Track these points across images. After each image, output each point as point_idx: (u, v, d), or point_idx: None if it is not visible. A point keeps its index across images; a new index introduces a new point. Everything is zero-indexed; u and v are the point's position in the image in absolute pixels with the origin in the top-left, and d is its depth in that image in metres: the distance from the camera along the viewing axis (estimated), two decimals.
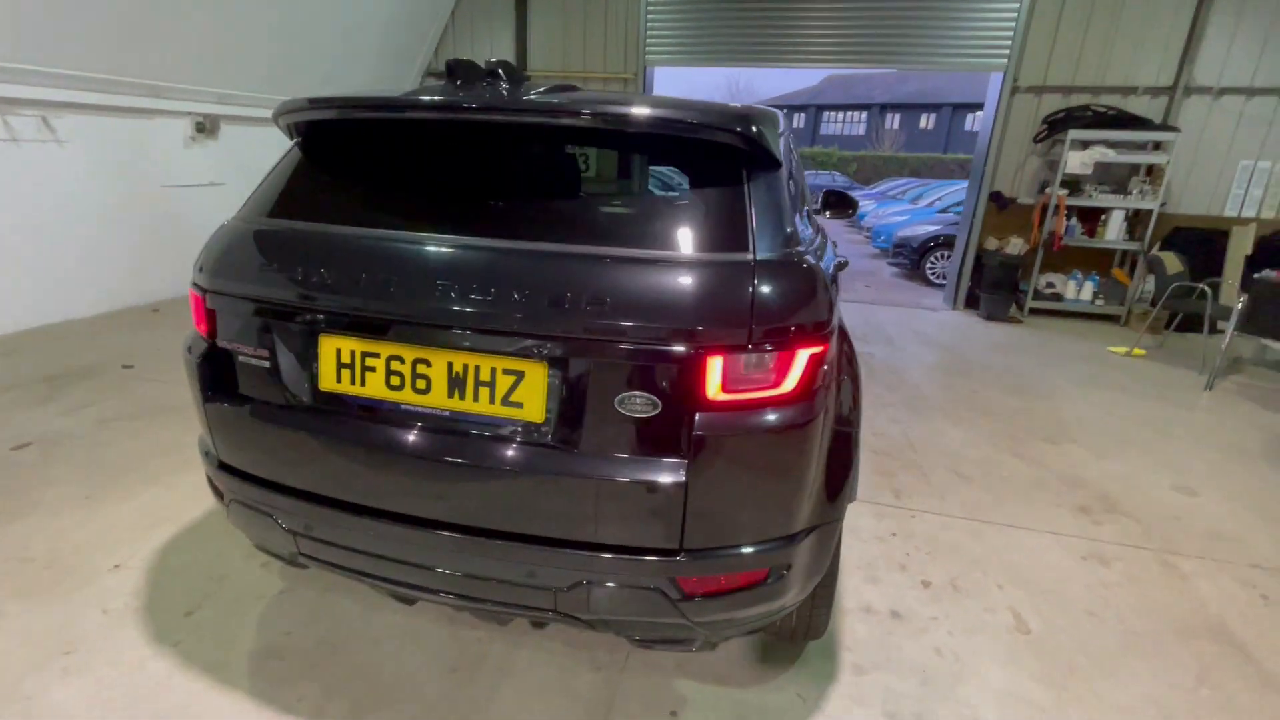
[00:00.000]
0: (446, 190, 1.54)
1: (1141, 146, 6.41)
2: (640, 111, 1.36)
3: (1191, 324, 5.97)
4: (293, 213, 1.57)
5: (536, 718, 1.75)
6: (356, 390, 1.45)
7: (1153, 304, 6.55)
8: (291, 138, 1.73)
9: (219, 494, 1.69)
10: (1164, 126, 6.34)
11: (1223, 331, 5.02)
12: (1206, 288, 5.28)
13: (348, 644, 1.98)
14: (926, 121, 43.49)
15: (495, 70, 1.50)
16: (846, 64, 6.94)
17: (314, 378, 1.47)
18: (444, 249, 1.38)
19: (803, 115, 45.19)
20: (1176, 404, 4.53)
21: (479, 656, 1.95)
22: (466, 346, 1.35)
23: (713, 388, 1.27)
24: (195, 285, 1.58)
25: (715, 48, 7.21)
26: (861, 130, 44.78)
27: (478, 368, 1.36)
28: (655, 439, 1.31)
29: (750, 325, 1.26)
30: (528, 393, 1.34)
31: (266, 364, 1.50)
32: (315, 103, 1.53)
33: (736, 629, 1.54)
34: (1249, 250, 6.26)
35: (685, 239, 1.36)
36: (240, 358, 1.53)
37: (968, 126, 42.31)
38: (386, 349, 1.41)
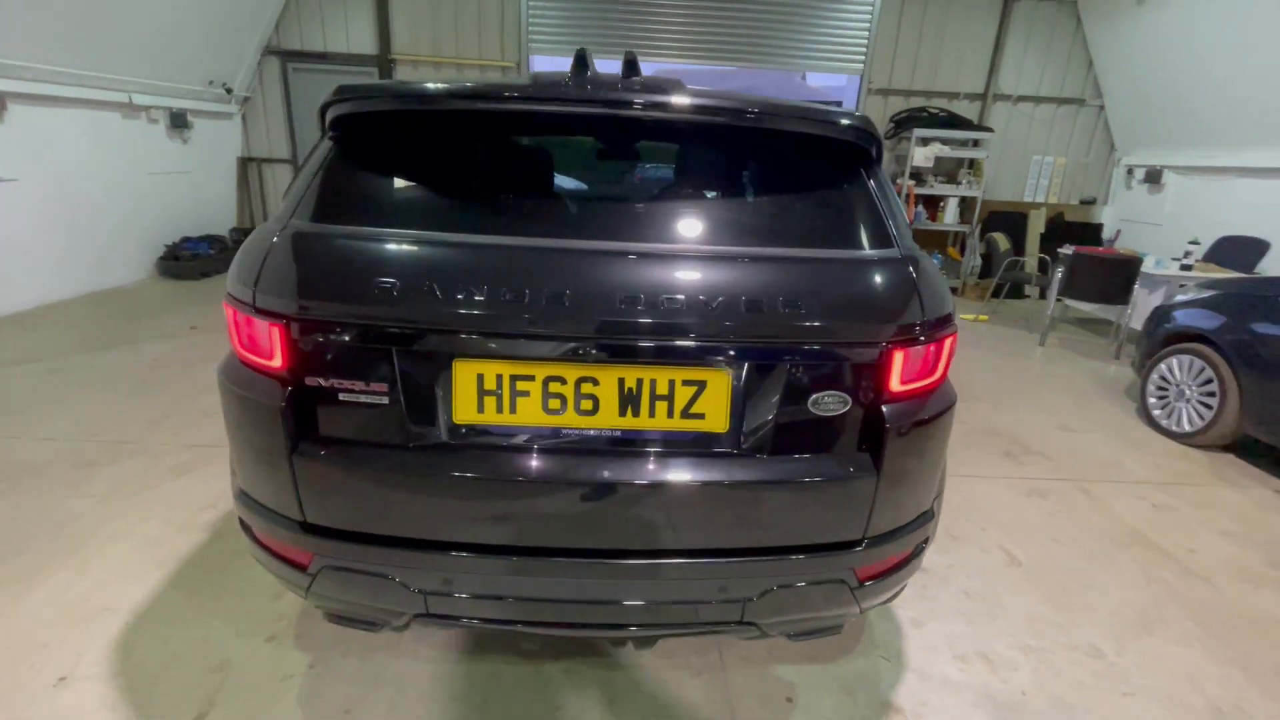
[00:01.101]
0: (584, 191, 1.40)
1: (965, 143, 7.56)
2: (794, 112, 1.36)
3: (1015, 292, 7.20)
4: (381, 217, 1.34)
5: None
6: (505, 419, 1.28)
7: (982, 276, 7.79)
8: (329, 130, 1.45)
9: (297, 566, 1.38)
10: (980, 127, 7.53)
11: (1046, 298, 6.15)
12: (1025, 260, 6.41)
13: (429, 709, 1.74)
14: None
15: (631, 63, 1.39)
16: (725, 61, 7.30)
17: (447, 410, 1.27)
18: (612, 256, 1.26)
19: None
20: (1026, 358, 5.47)
21: (578, 690, 1.83)
22: (642, 360, 1.26)
23: (895, 380, 1.33)
24: (264, 310, 1.27)
25: (601, 38, 7.17)
26: None
27: (654, 381, 1.27)
28: (845, 435, 1.33)
29: (921, 318, 1.33)
30: (710, 403, 1.29)
31: (384, 399, 1.26)
32: (426, 95, 1.31)
33: (880, 606, 1.62)
34: (1042, 228, 7.70)
35: (842, 238, 1.39)
36: (342, 395, 1.27)
37: None
38: (543, 370, 1.26)
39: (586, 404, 1.28)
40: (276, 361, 1.28)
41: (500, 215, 1.35)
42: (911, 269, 1.36)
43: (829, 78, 7.63)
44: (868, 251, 1.37)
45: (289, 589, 1.51)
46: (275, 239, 1.32)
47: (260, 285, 1.27)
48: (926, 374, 1.38)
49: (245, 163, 7.54)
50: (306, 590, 1.40)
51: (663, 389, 1.28)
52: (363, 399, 1.27)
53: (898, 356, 1.31)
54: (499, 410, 1.28)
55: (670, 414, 1.29)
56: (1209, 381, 3.60)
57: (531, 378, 1.27)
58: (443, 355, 1.25)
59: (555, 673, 1.88)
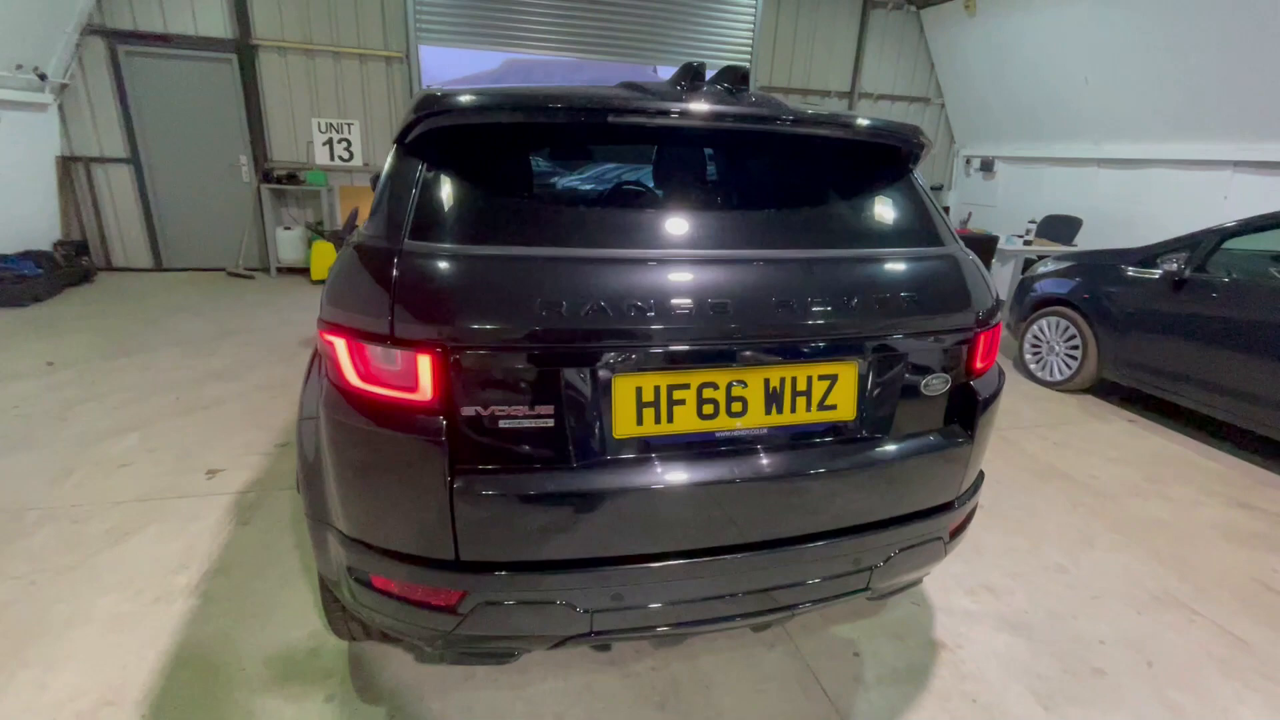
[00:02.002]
0: (706, 202, 1.43)
1: None
2: (877, 125, 1.50)
3: None
4: (506, 235, 1.29)
5: (766, 709, 1.80)
6: (662, 429, 1.31)
7: None
8: (421, 141, 1.36)
9: (442, 609, 1.29)
10: None
11: None
12: None
13: None
14: None
15: (740, 74, 1.44)
16: (613, 57, 7.36)
17: (607, 425, 1.27)
18: (755, 264, 1.33)
19: None
20: None
21: (670, 684, 1.88)
22: (785, 360, 1.34)
23: (979, 359, 1.53)
24: (406, 339, 1.18)
25: (491, 31, 6.92)
26: None
27: (794, 379, 1.37)
28: (945, 410, 1.51)
29: (989, 304, 1.54)
30: (841, 394, 1.41)
31: (548, 421, 1.23)
32: (554, 107, 1.29)
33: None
34: None
35: (920, 237, 1.56)
36: (503, 422, 1.22)
37: None
38: (698, 378, 1.30)
39: (736, 406, 1.34)
40: (424, 393, 1.19)
41: (630, 229, 1.35)
42: (976, 262, 1.57)
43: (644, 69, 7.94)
44: (947, 248, 1.55)
45: (419, 636, 1.41)
46: (398, 261, 1.22)
47: (399, 313, 1.18)
48: (992, 352, 1.60)
49: (68, 163, 6.34)
50: (451, 632, 1.32)
51: (802, 385, 1.37)
52: (525, 424, 1.23)
53: (982, 339, 1.51)
54: (657, 421, 1.30)
55: (808, 408, 1.39)
56: (1073, 337, 4.38)
57: (687, 386, 1.30)
58: (604, 372, 1.24)
59: (643, 671, 1.92)
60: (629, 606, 1.34)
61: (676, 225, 1.36)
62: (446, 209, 1.31)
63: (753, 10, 7.53)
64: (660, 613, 1.37)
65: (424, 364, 1.18)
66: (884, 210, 1.58)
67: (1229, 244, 3.68)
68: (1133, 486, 3.24)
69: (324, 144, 6.96)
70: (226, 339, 4.87)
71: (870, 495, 1.45)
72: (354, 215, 6.92)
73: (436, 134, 1.35)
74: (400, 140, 1.40)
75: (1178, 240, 3.86)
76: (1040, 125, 7.40)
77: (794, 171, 1.58)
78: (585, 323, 1.20)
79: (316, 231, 6.87)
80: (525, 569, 1.27)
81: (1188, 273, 3.70)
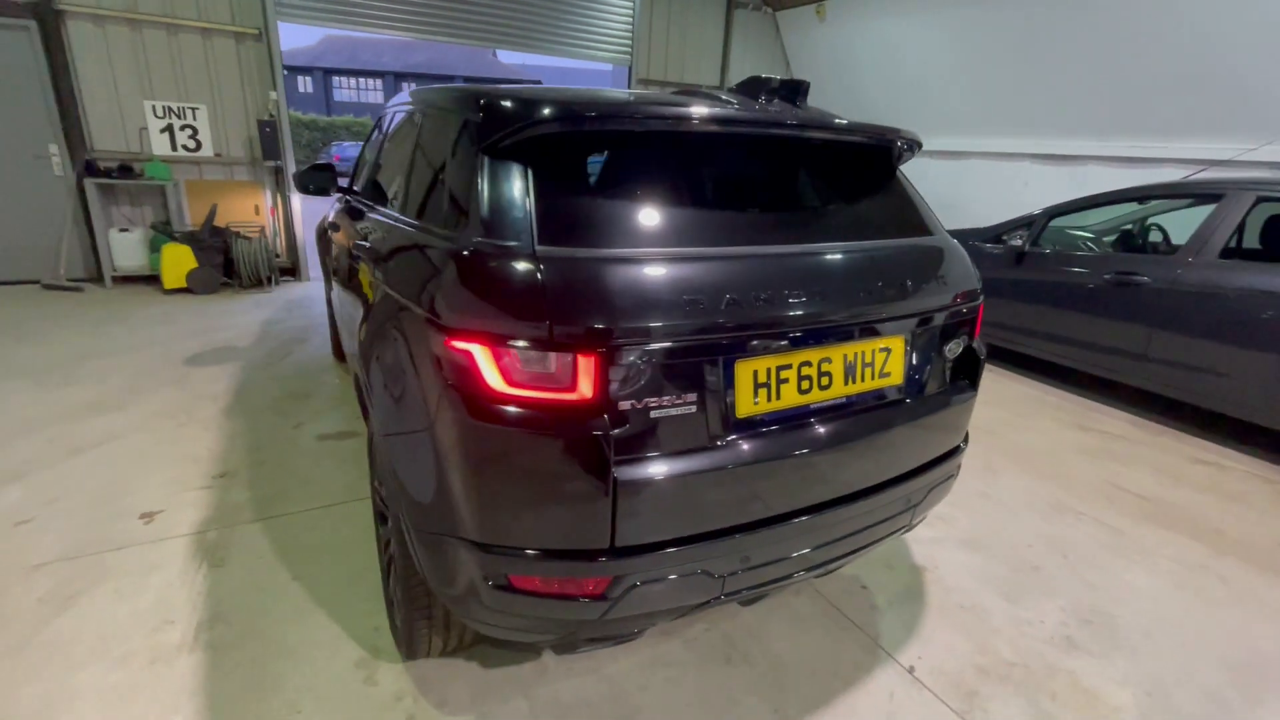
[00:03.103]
0: (782, 201, 1.58)
1: None
2: (894, 132, 1.76)
3: None
4: (622, 237, 1.36)
5: (813, 645, 2.06)
6: (771, 406, 1.47)
7: None
8: (523, 145, 1.38)
9: (590, 598, 1.35)
10: None
11: None
12: None
13: (638, 708, 1.80)
14: None
15: (798, 86, 1.61)
16: (487, 43, 7.17)
17: (730, 407, 1.41)
18: (837, 257, 1.52)
19: (309, 79, 40.80)
20: None
21: (726, 641, 2.06)
22: (858, 338, 1.57)
23: (977, 327, 1.88)
24: (565, 341, 1.22)
25: (362, 9, 6.38)
26: (378, 98, 43.35)
27: (862, 353, 1.60)
28: (956, 370, 1.84)
29: (981, 281, 1.89)
30: (894, 364, 1.67)
31: (690, 408, 1.34)
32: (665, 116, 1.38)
33: None
34: None
35: (924, 228, 1.86)
36: (653, 413, 1.30)
37: None
38: (797, 358, 1.48)
39: (824, 380, 1.54)
40: (585, 392, 1.24)
41: (731, 228, 1.48)
42: (958, 251, 1.91)
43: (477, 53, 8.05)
44: (942, 236, 1.87)
45: (550, 630, 1.45)
46: (543, 267, 1.25)
47: (558, 317, 1.22)
48: (980, 319, 1.96)
49: None
50: (599, 618, 1.39)
51: (868, 358, 1.61)
52: (670, 411, 1.32)
53: (980, 309, 1.86)
54: (768, 399, 1.46)
55: (872, 377, 1.63)
56: None
57: (789, 366, 1.48)
58: (730, 358, 1.38)
59: (698, 635, 2.08)
60: (752, 566, 1.50)
61: (769, 223, 1.51)
62: (569, 213, 1.35)
63: (630, 6, 7.71)
64: (774, 568, 1.54)
65: (585, 364, 1.23)
66: (901, 204, 1.86)
67: (1054, 222, 4.59)
68: (1009, 423, 3.97)
69: (162, 131, 6.02)
70: (83, 364, 4.12)
71: (917, 445, 1.73)
72: (213, 213, 6.17)
73: (539, 140, 1.37)
74: (489, 146, 1.40)
75: (1019, 220, 4.72)
76: (881, 122, 8.45)
77: (842, 172, 1.80)
78: (719, 315, 1.33)
79: (164, 233, 5.94)
80: (671, 545, 1.38)
81: (1027, 246, 4.56)
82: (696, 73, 8.62)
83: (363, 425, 3.43)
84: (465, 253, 1.34)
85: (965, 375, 1.88)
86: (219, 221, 6.23)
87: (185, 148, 6.13)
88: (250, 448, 3.14)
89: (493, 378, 1.26)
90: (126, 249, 5.99)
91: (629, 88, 8.11)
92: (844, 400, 1.59)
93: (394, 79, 42.13)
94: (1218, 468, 3.49)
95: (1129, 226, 4.66)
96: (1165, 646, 2.15)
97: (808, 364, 1.50)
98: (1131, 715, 1.87)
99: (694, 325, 1.31)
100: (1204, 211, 3.83)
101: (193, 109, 6.09)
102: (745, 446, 1.43)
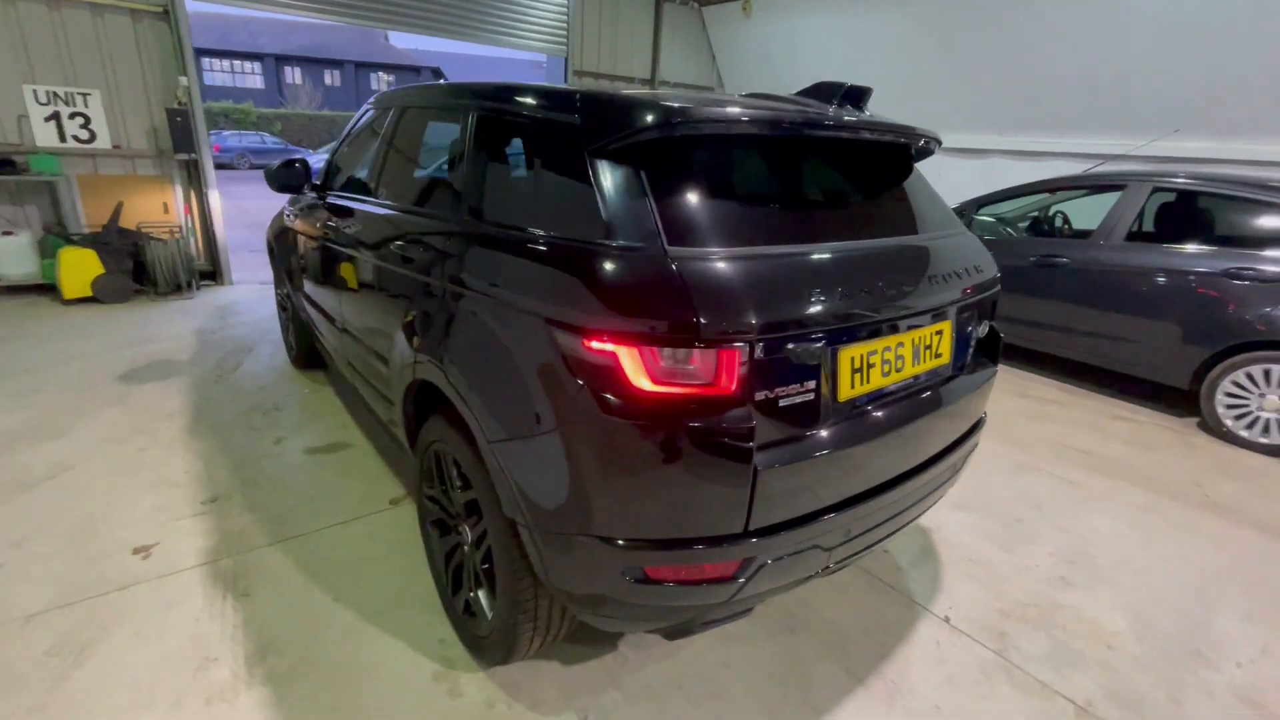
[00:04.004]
0: (855, 199, 1.69)
1: None
2: (929, 132, 1.93)
3: None
4: (736, 236, 1.43)
5: (857, 606, 2.23)
6: (863, 389, 1.59)
7: None
8: (641, 148, 1.41)
9: (720, 580, 1.41)
10: None
11: None
12: None
13: (725, 685, 1.88)
14: (332, 78, 42.12)
15: (864, 92, 1.73)
16: (429, 31, 6.85)
17: (835, 391, 1.52)
18: (908, 251, 1.66)
19: None
20: None
21: (784, 612, 2.19)
22: (923, 325, 1.73)
23: (996, 309, 2.10)
24: (714, 339, 1.27)
25: None
26: (256, 83, 39.98)
27: (924, 337, 1.76)
28: (983, 347, 2.05)
29: (999, 273, 2.12)
30: (944, 345, 1.84)
31: (809, 395, 1.43)
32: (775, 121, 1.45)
33: None
34: None
35: (954, 222, 2.05)
36: (782, 401, 1.38)
37: (375, 86, 43.27)
38: (882, 344, 1.61)
39: (899, 363, 1.68)
40: (727, 385, 1.30)
41: (829, 225, 1.58)
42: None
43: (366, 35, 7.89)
44: (964, 229, 2.07)
45: (675, 616, 1.50)
46: (683, 267, 1.30)
47: (705, 315, 1.27)
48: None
49: None
50: (729, 600, 1.46)
51: (928, 341, 1.77)
52: (795, 399, 1.41)
53: (1000, 293, 2.08)
54: (862, 382, 1.58)
55: (930, 358, 1.79)
56: None
57: (875, 351, 1.60)
58: (836, 348, 1.48)
59: (757, 610, 2.19)
60: (852, 537, 1.62)
61: (854, 218, 1.63)
62: (688, 214, 1.39)
63: None
64: (867, 536, 1.68)
65: (728, 359, 1.29)
66: (934, 200, 2.04)
67: (982, 211, 5.07)
68: None
69: (47, 119, 5.30)
70: None
71: (963, 416, 1.93)
72: (118, 212, 5.56)
73: (651, 144, 1.41)
74: (599, 149, 1.42)
75: (955, 207, 5.17)
76: None
77: (900, 172, 1.94)
78: (833, 306, 1.43)
79: (60, 236, 5.25)
80: (794, 524, 1.47)
81: None
82: (629, 65, 8.66)
83: (353, 436, 3.27)
84: (604, 256, 1.35)
85: (988, 353, 2.10)
86: (124, 222, 5.59)
87: (77, 139, 5.43)
88: (233, 468, 2.91)
89: (637, 377, 1.29)
90: (11, 255, 5.24)
91: (565, 80, 8.03)
92: (911, 380, 1.74)
93: (275, 61, 38.94)
94: (1135, 423, 4.05)
95: (1036, 214, 5.23)
96: (1135, 576, 2.51)
97: (889, 349, 1.64)
98: (1127, 636, 2.19)
99: (814, 316, 1.40)
100: (1104, 200, 4.39)
101: (84, 95, 5.40)
102: (849, 427, 1.54)
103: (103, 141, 5.54)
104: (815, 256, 1.49)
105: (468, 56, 49.26)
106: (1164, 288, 3.98)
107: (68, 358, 4.14)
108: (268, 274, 7.05)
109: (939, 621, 2.20)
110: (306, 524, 2.53)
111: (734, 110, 1.47)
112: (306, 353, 3.92)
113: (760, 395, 1.36)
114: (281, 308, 4.17)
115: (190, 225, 5.91)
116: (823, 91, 1.81)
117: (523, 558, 1.57)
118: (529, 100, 1.70)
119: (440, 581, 2.07)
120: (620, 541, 1.38)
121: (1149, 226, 4.41)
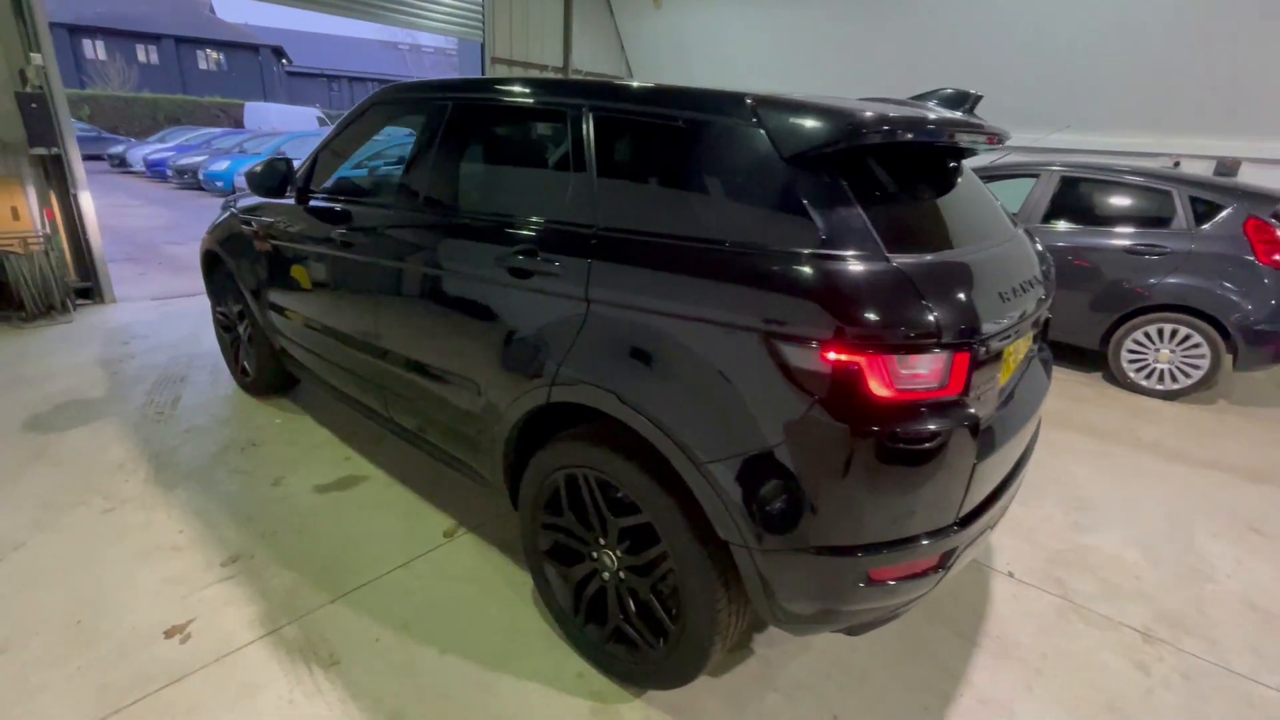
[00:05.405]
0: (974, 202, 1.78)
1: None
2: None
3: None
4: (938, 241, 1.50)
5: None
6: (1004, 379, 1.72)
7: None
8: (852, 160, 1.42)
9: (928, 573, 1.48)
10: None
11: None
12: None
13: (865, 669, 1.96)
14: (147, 55, 36.54)
15: (979, 99, 1.83)
16: (340, 12, 6.18)
17: (997, 385, 1.63)
18: (1020, 249, 1.81)
19: None
20: None
21: None
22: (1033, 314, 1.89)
23: None
24: (951, 343, 1.32)
25: None
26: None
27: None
28: (1042, 332, 2.28)
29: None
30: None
31: (993, 388, 1.52)
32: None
33: None
34: None
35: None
36: (979, 395, 1.45)
37: (202, 66, 38.13)
38: (1009, 346, 1.73)
39: (1017, 353, 1.84)
40: (955, 387, 1.36)
41: (977, 226, 1.67)
42: None
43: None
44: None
45: (884, 615, 1.54)
46: (915, 274, 1.33)
47: (943, 321, 1.31)
48: None
49: None
50: (929, 591, 1.53)
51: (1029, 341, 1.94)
52: (985, 394, 1.49)
53: None
54: (1006, 372, 1.71)
55: (1027, 344, 1.97)
56: None
57: (1013, 352, 1.74)
58: (1005, 342, 1.58)
59: None
60: (995, 522, 1.75)
61: (990, 221, 1.74)
62: (894, 220, 1.42)
63: None
64: (995, 517, 1.81)
65: (960, 361, 1.35)
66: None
67: None
68: None
69: None
70: None
71: (1044, 394, 2.14)
72: None
73: (849, 151, 1.41)
74: (798, 155, 1.41)
75: None
76: None
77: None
78: (1015, 305, 1.54)
79: None
80: (981, 510, 1.57)
81: None
82: (541, 53, 8.39)
83: (363, 466, 2.95)
84: (833, 265, 1.33)
85: (1044, 337, 2.34)
86: None
87: None
88: (239, 520, 2.52)
89: (877, 385, 1.31)
90: None
91: (484, 67, 7.62)
92: (1024, 362, 1.91)
93: (68, 33, 32.92)
94: (1058, 380, 4.68)
95: None
96: (1124, 514, 2.94)
97: (1012, 349, 1.78)
98: (1144, 565, 2.57)
99: (1007, 313, 1.50)
100: (1021, 186, 5.00)
101: None
102: (1006, 417, 1.66)
103: None
104: (990, 257, 1.58)
105: (313, 35, 44.78)
106: (1076, 264, 4.62)
107: None
108: (155, 288, 6.12)
109: (1004, 577, 2.44)
110: (361, 572, 2.26)
111: (923, 118, 1.51)
112: (270, 378, 3.45)
113: (973, 393, 1.43)
114: (225, 328, 3.62)
115: (55, 233, 4.91)
116: (950, 98, 1.89)
117: (720, 578, 1.54)
118: (683, 104, 1.61)
119: (562, 614, 1.96)
120: (854, 549, 1.40)
121: (1060, 211, 5.07)
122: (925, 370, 1.34)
